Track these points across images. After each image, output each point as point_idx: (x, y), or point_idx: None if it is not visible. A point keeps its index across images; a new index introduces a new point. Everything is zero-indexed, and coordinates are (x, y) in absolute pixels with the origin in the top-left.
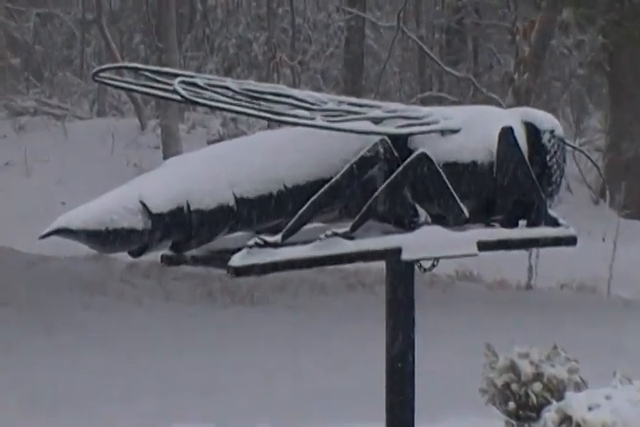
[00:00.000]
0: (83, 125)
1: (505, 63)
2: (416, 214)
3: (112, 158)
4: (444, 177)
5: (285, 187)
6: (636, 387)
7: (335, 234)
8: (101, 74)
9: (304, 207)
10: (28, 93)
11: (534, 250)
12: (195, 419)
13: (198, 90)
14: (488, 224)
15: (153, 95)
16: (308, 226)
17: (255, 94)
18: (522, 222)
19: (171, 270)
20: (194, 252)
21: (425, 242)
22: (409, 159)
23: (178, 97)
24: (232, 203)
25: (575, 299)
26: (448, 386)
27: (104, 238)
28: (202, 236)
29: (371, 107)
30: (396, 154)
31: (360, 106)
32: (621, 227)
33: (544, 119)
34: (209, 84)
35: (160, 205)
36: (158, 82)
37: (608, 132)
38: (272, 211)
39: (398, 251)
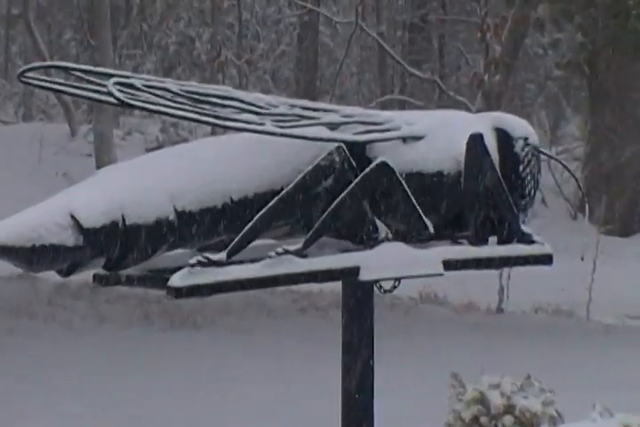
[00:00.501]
0: (7, 131)
1: (474, 64)
2: (376, 230)
3: (39, 167)
4: (407, 189)
5: (232, 199)
6: (617, 420)
7: (286, 251)
8: (28, 74)
9: (252, 222)
10: None
11: (506, 270)
12: None
13: (135, 92)
14: (455, 241)
15: (85, 97)
16: (257, 242)
17: (198, 97)
18: (492, 239)
19: (104, 291)
20: (130, 271)
21: (385, 261)
22: (368, 169)
23: (112, 99)
24: (172, 217)
25: (551, 324)
26: (410, 420)
27: (30, 256)
28: (138, 253)
29: (326, 111)
30: (354, 163)
31: (314, 110)
32: (601, 244)
33: (517, 125)
34: (147, 86)
35: (92, 219)
36: (91, 83)
37: (587, 140)
38: (217, 226)
39: (356, 270)
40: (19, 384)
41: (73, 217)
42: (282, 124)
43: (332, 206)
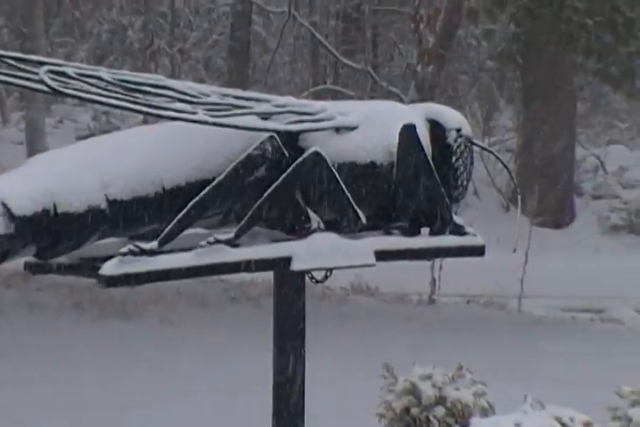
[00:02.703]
0: None
1: (407, 54)
2: (308, 220)
3: None
4: (339, 179)
5: (164, 188)
6: (548, 413)
7: (218, 241)
8: None
9: (184, 211)
10: None
11: (438, 261)
12: None
13: (67, 80)
14: (387, 232)
15: (16, 85)
16: (188, 231)
17: (131, 85)
18: (424, 230)
19: (35, 279)
20: (61, 259)
21: (317, 251)
22: (300, 158)
23: (44, 87)
24: (104, 205)
25: (483, 315)
26: (341, 410)
27: None
28: (70, 241)
29: (258, 100)
30: (286, 153)
31: (246, 99)
32: (533, 236)
33: (450, 116)
34: (79, 74)
35: (23, 206)
36: (22, 70)
37: (520, 132)
38: (149, 215)
39: (288, 260)
40: None
41: (4, 205)
42: (214, 113)
43: (265, 196)
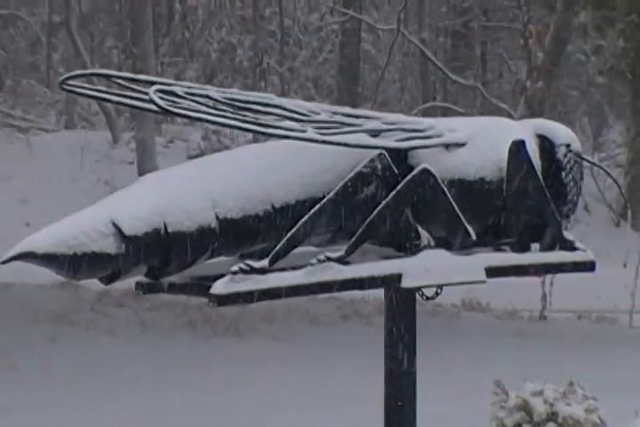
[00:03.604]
0: (49, 139)
1: (516, 70)
2: (418, 237)
3: (81, 175)
4: (449, 195)
5: (274, 207)
6: None
7: (328, 259)
8: (70, 81)
9: (294, 229)
10: None
11: (548, 277)
12: None
13: (177, 99)
14: (497, 248)
15: (127, 105)
16: (299, 250)
17: (240, 104)
18: (534, 246)
19: (146, 299)
20: (172, 278)
21: (428, 267)
22: (410, 176)
23: (154, 107)
24: (214, 224)
25: (594, 331)
26: None
27: (72, 264)
28: (180, 260)
29: (367, 118)
30: (396, 170)
31: (356, 117)
32: None
33: (559, 132)
34: (188, 93)
35: (134, 226)
36: (133, 90)
37: (630, 147)
38: (259, 233)
39: (398, 277)
40: (56, 392)
41: (115, 224)
42: (324, 131)
43: (374, 213)
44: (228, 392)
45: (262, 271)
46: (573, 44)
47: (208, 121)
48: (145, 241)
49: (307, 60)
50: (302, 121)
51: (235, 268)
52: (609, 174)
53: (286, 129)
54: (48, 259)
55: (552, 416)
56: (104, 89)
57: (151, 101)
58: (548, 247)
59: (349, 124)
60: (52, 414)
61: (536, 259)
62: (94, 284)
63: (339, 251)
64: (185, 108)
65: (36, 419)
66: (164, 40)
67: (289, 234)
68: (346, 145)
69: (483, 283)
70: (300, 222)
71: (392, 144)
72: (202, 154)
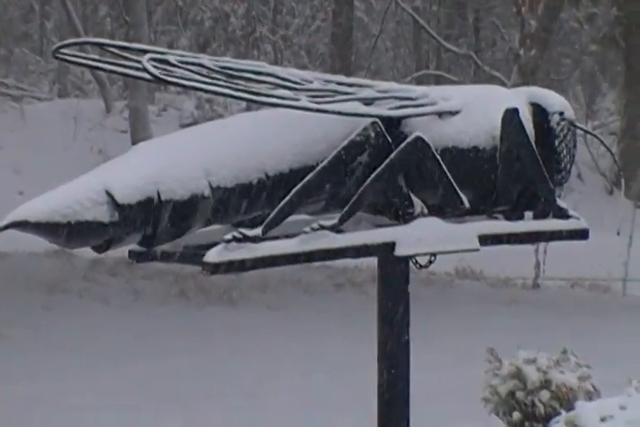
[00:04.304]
0: (42, 107)
1: (510, 38)
2: (411, 205)
3: (75, 144)
4: (442, 164)
5: (267, 175)
6: None
7: (322, 227)
8: (63, 50)
9: (287, 197)
10: None
11: (542, 245)
12: None
13: (170, 68)
14: (491, 216)
15: (120, 73)
16: (292, 218)
17: (233, 72)
18: (528, 214)
19: (140, 267)
20: (165, 247)
21: (421, 236)
22: (403, 144)
23: (147, 75)
24: (207, 192)
25: (587, 299)
26: (447, 394)
27: (66, 232)
28: (174, 229)
29: (361, 86)
30: (389, 138)
31: (349, 85)
32: (638, 219)
33: (553, 100)
34: (182, 62)
35: (128, 195)
36: (126, 59)
37: (623, 114)
38: (252, 201)
39: (392, 245)
40: (54, 360)
41: (108, 193)
42: (317, 99)
43: (368, 181)
44: (230, 359)
45: (256, 240)
46: (566, 12)
47: (201, 89)
48: (138, 209)
49: (300, 28)
50: (295, 89)
51: (228, 236)
52: (602, 142)
53: (280, 97)
54: (41, 227)
55: (545, 384)
56: (97, 57)
57: (144, 70)
58: (542, 215)
59: (343, 93)
60: (51, 381)
61: (529, 227)
62: (87, 252)
63: (332, 219)
64: (178, 77)
65: (35, 387)
66: (157, 8)
67: (282, 202)
68: (339, 113)
69: (476, 251)
70: (294, 191)
71: (385, 112)
72: (195, 122)
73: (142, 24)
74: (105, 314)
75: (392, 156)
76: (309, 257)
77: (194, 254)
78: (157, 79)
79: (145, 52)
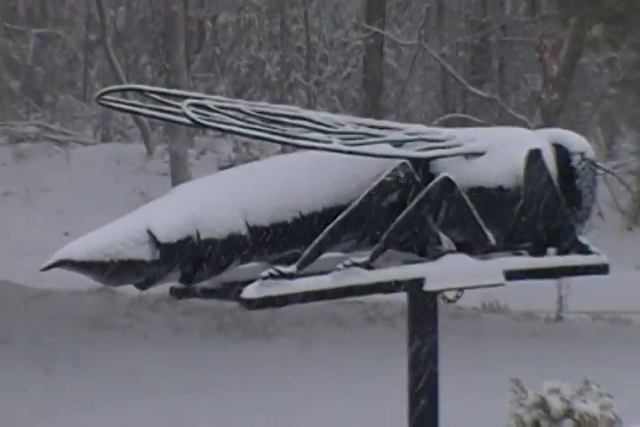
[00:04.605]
0: (86, 152)
1: (532, 82)
2: (439, 242)
3: (117, 186)
4: (469, 202)
5: (301, 214)
6: None
7: (354, 264)
8: (106, 96)
9: (321, 235)
10: (29, 118)
11: (564, 279)
12: None
13: (208, 112)
14: (515, 252)
15: (160, 119)
16: (325, 255)
17: (269, 117)
18: (551, 250)
19: (180, 304)
20: (204, 284)
21: (449, 271)
22: (431, 184)
23: (187, 120)
24: (245, 231)
25: (609, 331)
26: (473, 424)
27: (109, 270)
28: (212, 267)
29: (390, 129)
30: (418, 178)
31: (379, 128)
32: None
33: (574, 141)
34: (219, 107)
35: (168, 234)
36: (166, 104)
37: None
38: (287, 240)
39: (420, 281)
40: (97, 394)
41: (150, 232)
42: (349, 142)
43: (398, 220)
44: (265, 392)
45: (291, 276)
46: (587, 56)
47: (238, 133)
48: (178, 248)
49: (332, 74)
50: (328, 132)
51: (265, 273)
52: (621, 181)
53: (313, 140)
54: (85, 266)
55: (569, 413)
56: (139, 103)
57: (184, 115)
58: (564, 251)
59: (373, 135)
60: (90, 414)
61: (552, 262)
62: (130, 289)
63: (364, 256)
64: (216, 121)
65: (74, 420)
66: (196, 56)
67: (316, 240)
68: (371, 155)
69: (502, 286)
70: (327, 229)
71: (414, 154)
72: (232, 165)
73: (182, 71)
74: (145, 349)
75: (420, 195)
76: (342, 293)
77: (232, 291)
78: (196, 124)
79: (184, 97)
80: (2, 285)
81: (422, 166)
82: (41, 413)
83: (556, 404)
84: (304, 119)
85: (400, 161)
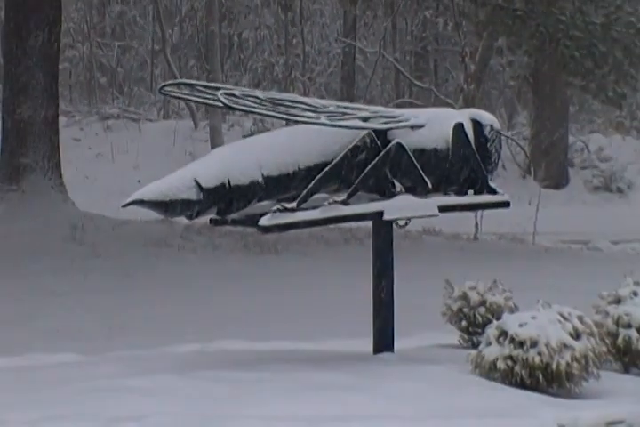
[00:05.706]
0: (152, 126)
1: (457, 77)
2: (394, 186)
3: (174, 149)
4: (414, 159)
5: (299, 167)
6: (553, 310)
7: (335, 202)
8: (166, 88)
9: (312, 182)
10: (113, 103)
11: (479, 211)
12: (235, 336)
13: (235, 99)
14: (445, 193)
15: (202, 103)
16: (316, 196)
17: (276, 101)
18: (470, 191)
19: (217, 229)
20: (233, 215)
21: (400, 206)
22: (388, 147)
23: (220, 104)
24: (260, 180)
25: (509, 247)
26: (417, 310)
27: (168, 207)
28: (239, 204)
29: (360, 109)
30: (379, 143)
31: (352, 109)
32: (542, 194)
33: (486, 117)
34: (243, 94)
35: (209, 182)
36: (206, 93)
37: (532, 126)
38: (290, 185)
39: (381, 213)
40: (162, 293)
41: (196, 181)
42: (331, 118)
43: (365, 171)
44: (275, 288)
45: (292, 210)
46: (494, 59)
47: (256, 113)
48: (215, 191)
49: (320, 72)
50: (317, 112)
51: (274, 208)
52: (518, 144)
53: (307, 117)
54: (152, 204)
55: (482, 303)
56: (188, 93)
57: (219, 100)
58: (479, 192)
59: (348, 114)
60: (159, 306)
61: (471, 200)
62: (182, 220)
63: (342, 196)
64: (241, 104)
65: (149, 311)
66: (227, 60)
67: (309, 186)
68: (347, 127)
69: (436, 216)
70: (317, 178)
71: (376, 126)
72: (252, 134)
73: (217, 70)
74: (193, 261)
75: (381, 154)
76: (327, 221)
77: (252, 220)
78: (227, 106)
79: (219, 88)
80: (96, 217)
81: (382, 135)
82: (124, 305)
83: (474, 296)
84: (301, 103)
85: (367, 131)
